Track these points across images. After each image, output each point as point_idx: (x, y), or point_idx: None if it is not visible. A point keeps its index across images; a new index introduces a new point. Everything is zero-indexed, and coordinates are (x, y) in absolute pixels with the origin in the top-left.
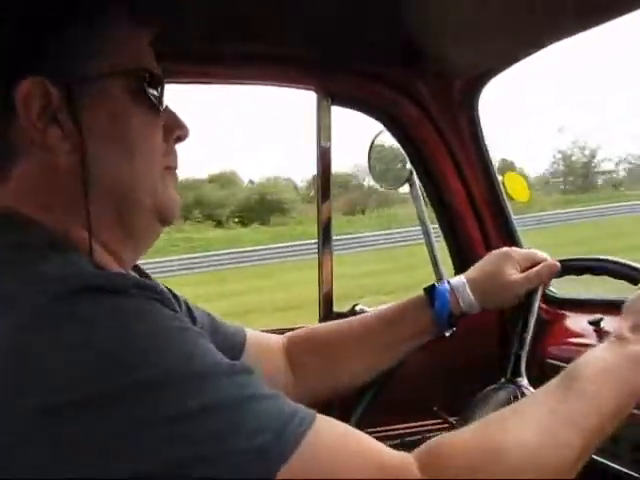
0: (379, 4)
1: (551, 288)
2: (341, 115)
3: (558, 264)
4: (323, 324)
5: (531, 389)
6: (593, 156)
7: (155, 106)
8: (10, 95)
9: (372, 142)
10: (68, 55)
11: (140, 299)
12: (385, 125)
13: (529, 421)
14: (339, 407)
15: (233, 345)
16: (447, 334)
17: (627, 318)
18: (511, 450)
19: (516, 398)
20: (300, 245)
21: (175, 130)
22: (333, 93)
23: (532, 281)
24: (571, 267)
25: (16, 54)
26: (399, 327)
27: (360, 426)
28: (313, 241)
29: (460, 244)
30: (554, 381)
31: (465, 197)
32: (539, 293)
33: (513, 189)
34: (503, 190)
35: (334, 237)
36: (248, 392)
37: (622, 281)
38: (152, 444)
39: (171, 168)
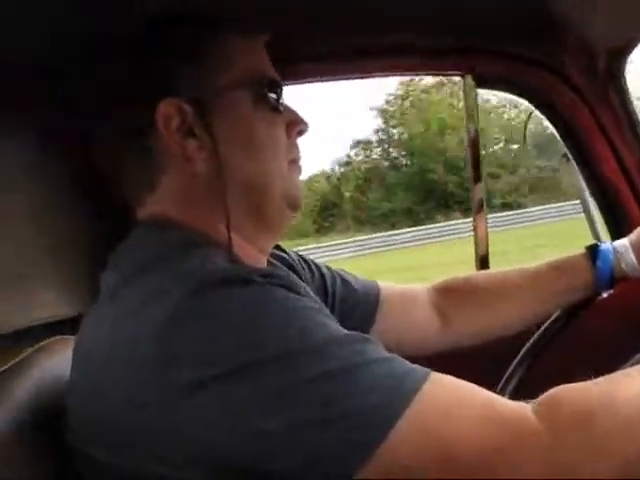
0: None
1: None
2: None
3: None
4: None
5: None
6: None
7: (276, 107)
8: (152, 116)
9: (526, 122)
10: (196, 74)
11: (265, 286)
12: (532, 103)
13: None
14: (492, 378)
15: (365, 306)
16: (605, 295)
17: None
18: (626, 404)
19: None
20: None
21: (296, 126)
22: (479, 76)
23: None
24: None
25: (154, 79)
26: (557, 280)
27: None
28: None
29: (615, 213)
30: None
31: (617, 166)
32: None
33: None
34: None
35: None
36: (362, 358)
37: None
38: (276, 410)
39: (295, 161)
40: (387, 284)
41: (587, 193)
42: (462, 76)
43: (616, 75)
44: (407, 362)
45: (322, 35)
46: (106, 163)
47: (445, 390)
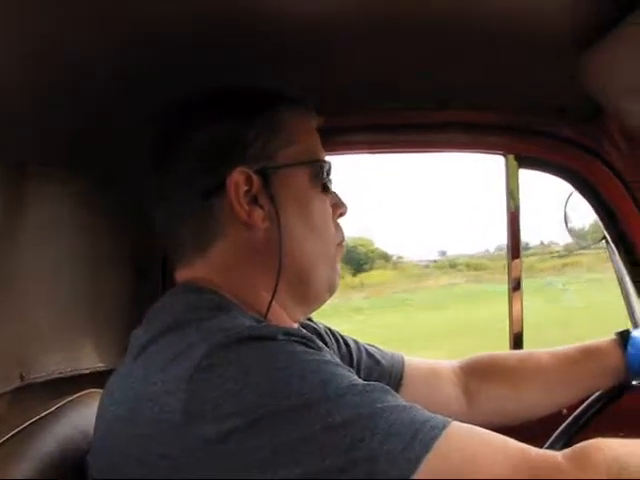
0: (561, 68)
1: None
2: None
3: None
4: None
5: None
6: None
7: (328, 189)
8: (222, 180)
9: (565, 204)
10: (266, 147)
11: (285, 342)
12: (573, 185)
13: None
14: None
15: (389, 380)
16: (636, 383)
17: None
18: None
19: None
20: None
21: (339, 208)
22: (521, 156)
23: None
24: None
25: (229, 148)
26: (585, 363)
27: None
28: None
29: None
30: None
31: None
32: None
33: None
34: None
35: None
36: (381, 405)
37: None
38: (297, 460)
39: (341, 244)
40: (414, 359)
41: (627, 277)
42: (504, 155)
43: None
44: (426, 411)
45: (362, 108)
46: (166, 222)
47: (468, 434)
